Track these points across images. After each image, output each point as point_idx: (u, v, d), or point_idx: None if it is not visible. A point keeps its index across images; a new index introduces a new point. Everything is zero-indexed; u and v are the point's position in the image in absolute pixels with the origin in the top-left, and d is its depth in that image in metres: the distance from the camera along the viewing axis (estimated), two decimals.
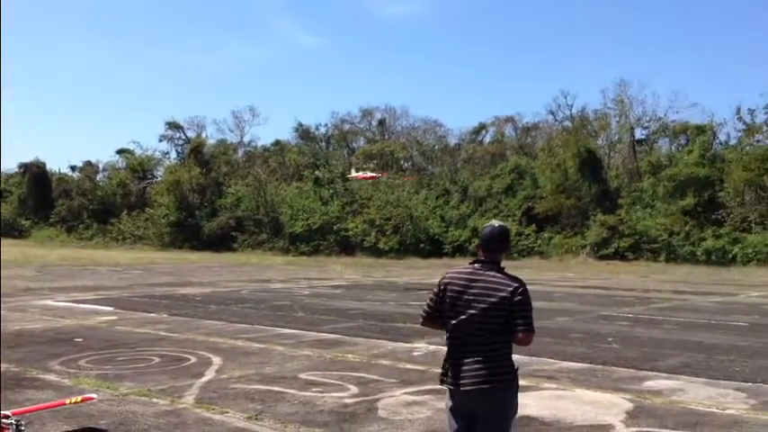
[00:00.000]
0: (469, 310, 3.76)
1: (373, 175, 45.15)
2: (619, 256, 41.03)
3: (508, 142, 61.76)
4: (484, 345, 3.75)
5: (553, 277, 29.10)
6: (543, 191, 47.05)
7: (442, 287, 3.89)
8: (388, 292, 21.51)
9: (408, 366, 9.02)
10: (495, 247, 3.90)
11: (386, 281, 26.65)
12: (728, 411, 6.82)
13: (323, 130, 68.63)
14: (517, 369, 3.86)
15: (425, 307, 3.98)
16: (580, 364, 9.29)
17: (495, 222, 4.03)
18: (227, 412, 6.61)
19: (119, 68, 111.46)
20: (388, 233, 48.43)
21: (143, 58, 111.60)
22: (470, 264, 3.93)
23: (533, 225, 45.75)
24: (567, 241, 44.19)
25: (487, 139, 63.99)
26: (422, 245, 47.50)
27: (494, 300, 3.73)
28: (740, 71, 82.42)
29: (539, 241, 45.02)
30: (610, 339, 11.61)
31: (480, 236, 3.97)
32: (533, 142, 60.63)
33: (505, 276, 3.80)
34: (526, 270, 31.65)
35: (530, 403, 6.82)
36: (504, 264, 3.89)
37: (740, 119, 46.09)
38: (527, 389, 7.48)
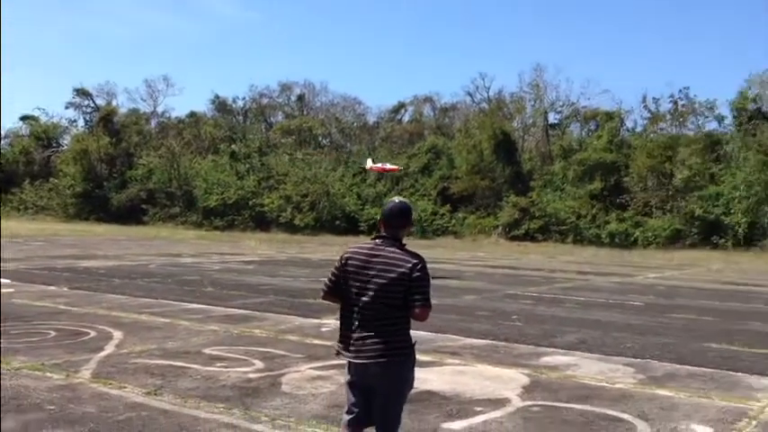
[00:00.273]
0: (369, 284, 3.79)
1: (393, 167, 37.47)
2: (529, 237, 42.30)
3: (426, 122, 62.31)
4: (382, 319, 3.79)
5: (465, 257, 29.68)
6: (459, 171, 47.82)
7: (343, 262, 3.91)
8: (301, 268, 21.44)
9: (316, 342, 9.03)
10: (396, 224, 3.94)
11: (299, 257, 26.54)
12: (618, 385, 7.16)
13: (240, 103, 67.32)
14: (414, 344, 3.92)
15: (326, 281, 3.99)
16: (484, 341, 9.54)
17: (397, 199, 4.07)
18: (125, 387, 6.45)
19: (24, 30, 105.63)
20: (304, 210, 48.20)
21: (51, 21, 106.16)
22: (372, 239, 3.96)
23: (448, 205, 46.52)
24: (480, 222, 45.14)
25: (406, 118, 64.42)
26: (337, 222, 47.51)
27: (393, 275, 3.77)
28: (647, 60, 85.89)
29: (453, 221, 45.81)
30: (514, 317, 11.97)
31: (382, 212, 4.00)
32: (451, 123, 61.39)
33: (405, 252, 3.85)
34: (439, 249, 32.16)
35: (431, 378, 6.96)
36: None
37: (646, 107, 48.14)
38: (430, 364, 7.63)
